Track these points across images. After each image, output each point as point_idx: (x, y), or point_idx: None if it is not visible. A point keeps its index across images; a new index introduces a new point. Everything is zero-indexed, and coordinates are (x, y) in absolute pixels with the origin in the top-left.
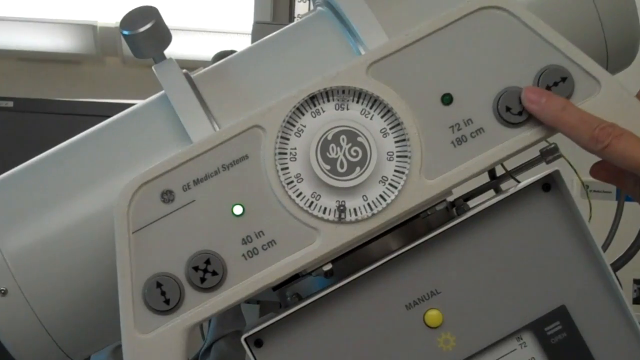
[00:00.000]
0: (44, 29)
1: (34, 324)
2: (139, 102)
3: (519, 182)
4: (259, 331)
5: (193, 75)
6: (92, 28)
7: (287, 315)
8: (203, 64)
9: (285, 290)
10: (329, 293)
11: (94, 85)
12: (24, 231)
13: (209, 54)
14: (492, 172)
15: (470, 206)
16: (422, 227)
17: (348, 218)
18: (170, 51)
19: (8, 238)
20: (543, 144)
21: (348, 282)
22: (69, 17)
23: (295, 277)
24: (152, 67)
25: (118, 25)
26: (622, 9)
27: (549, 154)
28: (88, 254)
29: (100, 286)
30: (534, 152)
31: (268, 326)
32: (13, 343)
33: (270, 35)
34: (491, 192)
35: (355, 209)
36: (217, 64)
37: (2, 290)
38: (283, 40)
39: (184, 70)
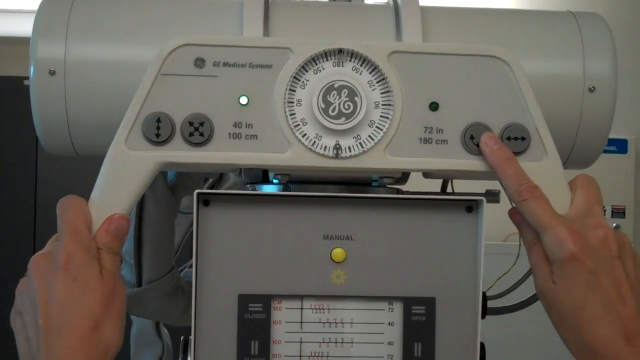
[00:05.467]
0: None
1: (60, 112)
2: None
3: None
4: (210, 194)
5: None
6: None
7: (235, 194)
8: None
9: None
10: (274, 195)
11: None
12: (91, 48)
13: None
14: (444, 187)
15: None
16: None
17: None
18: None
19: (75, 45)
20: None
21: (293, 195)
22: None
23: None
24: None
25: None
26: (599, 127)
27: (491, 195)
28: (125, 84)
29: (119, 110)
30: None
31: (219, 194)
32: (40, 121)
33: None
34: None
35: (329, 147)
36: (297, 1)
37: (52, 70)
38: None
39: None
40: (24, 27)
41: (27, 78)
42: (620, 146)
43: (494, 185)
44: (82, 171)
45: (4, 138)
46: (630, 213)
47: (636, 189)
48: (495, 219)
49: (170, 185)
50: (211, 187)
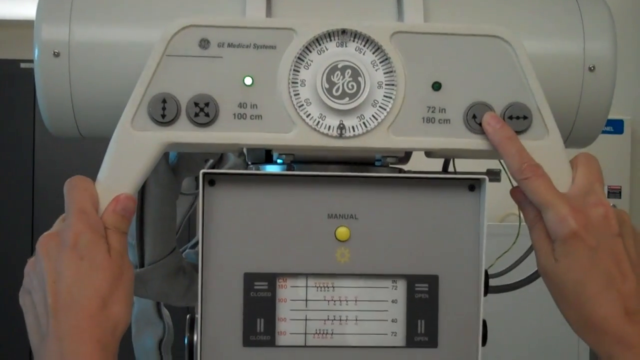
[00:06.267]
0: None
1: (65, 94)
2: None
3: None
4: (216, 174)
5: None
6: None
7: (241, 174)
8: None
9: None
10: (279, 175)
11: None
12: (96, 29)
13: None
14: (445, 167)
15: None
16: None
17: (325, 130)
18: None
19: (79, 27)
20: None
21: (298, 175)
22: None
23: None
24: None
25: None
26: (598, 105)
27: (493, 174)
28: (129, 66)
29: (123, 91)
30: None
31: (225, 174)
32: (45, 103)
33: None
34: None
35: (332, 126)
36: None
37: (56, 52)
38: None
39: None
40: (19, 10)
41: (23, 61)
42: (616, 126)
43: (493, 164)
44: (79, 153)
45: (1, 120)
46: (626, 193)
47: (632, 169)
48: (491, 200)
49: (172, 166)
50: (211, 168)
